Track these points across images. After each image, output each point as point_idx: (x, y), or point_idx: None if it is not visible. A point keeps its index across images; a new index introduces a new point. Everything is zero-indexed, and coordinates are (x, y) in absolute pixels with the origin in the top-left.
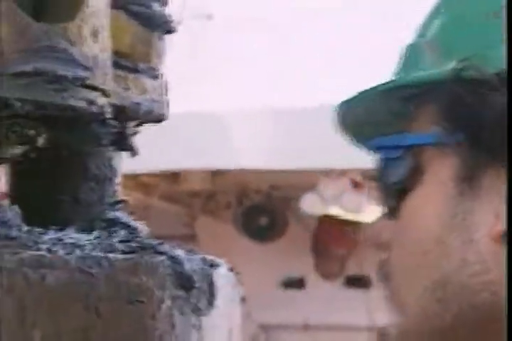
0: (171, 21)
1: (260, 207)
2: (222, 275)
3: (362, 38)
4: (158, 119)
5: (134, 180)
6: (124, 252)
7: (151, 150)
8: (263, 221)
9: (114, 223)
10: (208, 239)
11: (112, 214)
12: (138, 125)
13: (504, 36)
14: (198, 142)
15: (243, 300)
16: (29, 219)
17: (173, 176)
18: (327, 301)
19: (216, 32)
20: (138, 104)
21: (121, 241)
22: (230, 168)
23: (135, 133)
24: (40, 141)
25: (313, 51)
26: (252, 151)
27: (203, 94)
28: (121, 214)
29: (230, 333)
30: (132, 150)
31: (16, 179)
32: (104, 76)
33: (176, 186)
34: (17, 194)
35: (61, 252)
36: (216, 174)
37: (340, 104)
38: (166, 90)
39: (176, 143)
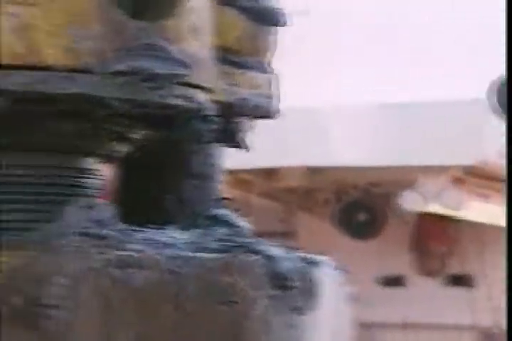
0: (281, 14)
1: (359, 204)
2: (325, 274)
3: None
4: (269, 114)
5: (233, 176)
6: (217, 251)
7: (250, 147)
8: (361, 217)
9: (216, 221)
10: (306, 235)
11: (215, 212)
12: (250, 120)
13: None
14: (296, 139)
15: (351, 299)
16: (133, 217)
17: (271, 173)
18: (427, 300)
19: (315, 27)
20: (245, 99)
21: (216, 240)
22: (328, 165)
23: (249, 129)
24: (136, 139)
25: (418, 46)
26: (350, 148)
27: (301, 90)
28: (224, 212)
29: (335, 332)
30: (242, 146)
31: (122, 177)
32: (205, 73)
33: (274, 183)
34: (122, 192)
35: (150, 252)
36: (314, 171)
37: (501, 83)
38: (277, 84)
39: (274, 139)
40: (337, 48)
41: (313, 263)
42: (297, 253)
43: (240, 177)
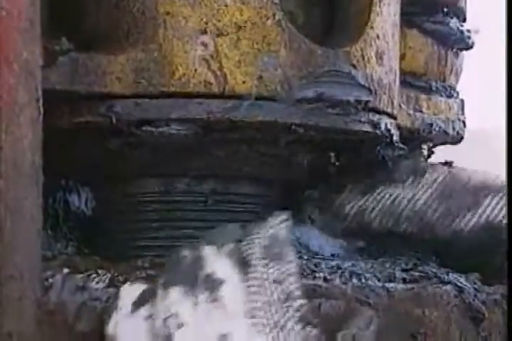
0: (469, 37)
1: None
2: None
3: None
4: (454, 140)
5: None
6: (405, 281)
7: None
8: None
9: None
10: None
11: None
12: (433, 146)
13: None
14: (464, 161)
15: None
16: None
17: None
18: None
19: (483, 46)
20: (430, 124)
21: (403, 270)
22: None
23: (430, 155)
24: (317, 165)
25: None
26: None
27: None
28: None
29: None
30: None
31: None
32: (390, 98)
33: None
34: None
35: (337, 281)
36: None
37: None
38: (463, 109)
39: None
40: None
41: (507, 294)
42: (490, 284)
43: None
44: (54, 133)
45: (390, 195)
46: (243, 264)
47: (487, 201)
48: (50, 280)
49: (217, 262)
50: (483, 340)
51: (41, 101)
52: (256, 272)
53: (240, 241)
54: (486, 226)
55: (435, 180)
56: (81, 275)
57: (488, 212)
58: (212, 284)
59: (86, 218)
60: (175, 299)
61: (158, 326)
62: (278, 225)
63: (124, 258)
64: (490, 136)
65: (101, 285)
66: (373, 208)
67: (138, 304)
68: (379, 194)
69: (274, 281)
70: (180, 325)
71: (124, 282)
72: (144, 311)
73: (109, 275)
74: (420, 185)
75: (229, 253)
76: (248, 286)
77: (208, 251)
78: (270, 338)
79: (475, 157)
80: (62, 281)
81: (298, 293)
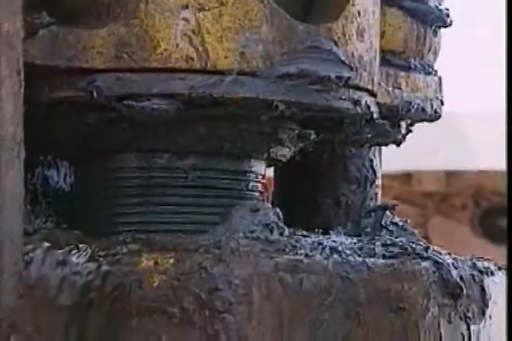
0: (448, 15)
1: (500, 209)
2: (496, 283)
3: None
4: (432, 118)
5: None
6: (385, 257)
7: (385, 151)
8: (504, 223)
9: (379, 226)
10: (441, 240)
11: (377, 217)
12: (410, 124)
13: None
14: (432, 142)
15: None
16: (292, 221)
17: (406, 177)
18: None
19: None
20: (409, 102)
21: (383, 246)
22: (465, 169)
23: (408, 133)
24: (296, 141)
25: None
26: (488, 152)
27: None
28: (387, 217)
29: None
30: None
31: (281, 181)
32: (370, 75)
33: (409, 187)
34: (281, 195)
35: (318, 257)
36: (451, 175)
37: None
38: (441, 87)
39: (410, 143)
40: (474, 49)
41: (483, 271)
42: (467, 261)
43: None
44: (32, 108)
45: None
46: None
47: None
48: (31, 254)
49: None
50: (461, 315)
51: (22, 73)
52: None
53: None
54: None
55: None
56: (61, 250)
57: None
58: None
59: (65, 193)
60: None
61: None
62: None
63: (104, 233)
64: (458, 119)
65: (81, 259)
66: None
67: None
68: None
69: None
70: None
71: (105, 257)
72: None
73: (89, 250)
74: None
75: None
76: None
77: None
78: None
79: (441, 138)
80: (43, 256)
81: None
